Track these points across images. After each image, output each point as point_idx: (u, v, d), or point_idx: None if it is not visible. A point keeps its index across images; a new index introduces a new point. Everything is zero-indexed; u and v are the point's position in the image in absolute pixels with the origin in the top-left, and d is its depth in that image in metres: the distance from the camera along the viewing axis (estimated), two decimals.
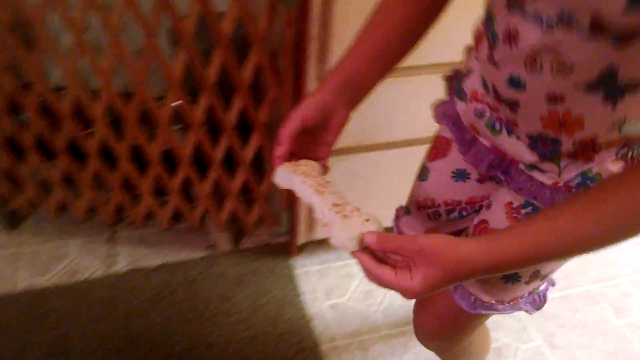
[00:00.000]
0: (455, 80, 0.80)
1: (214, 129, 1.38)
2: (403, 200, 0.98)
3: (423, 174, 0.89)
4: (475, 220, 0.81)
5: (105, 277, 1.53)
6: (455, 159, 0.82)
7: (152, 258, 1.59)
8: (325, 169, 0.69)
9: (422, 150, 0.91)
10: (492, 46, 0.62)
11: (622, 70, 0.52)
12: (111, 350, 1.35)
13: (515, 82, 0.60)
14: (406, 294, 0.55)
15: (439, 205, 0.87)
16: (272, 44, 1.23)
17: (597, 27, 0.49)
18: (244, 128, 1.38)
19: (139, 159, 1.45)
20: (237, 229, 1.66)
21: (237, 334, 1.41)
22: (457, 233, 0.90)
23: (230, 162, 1.45)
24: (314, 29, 1.08)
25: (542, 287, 0.82)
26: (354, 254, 0.58)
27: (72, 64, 1.25)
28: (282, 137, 0.66)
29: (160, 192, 1.55)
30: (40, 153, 1.45)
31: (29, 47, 1.24)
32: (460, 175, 0.83)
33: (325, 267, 1.60)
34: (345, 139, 0.90)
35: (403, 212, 0.97)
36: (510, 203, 0.73)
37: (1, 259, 1.55)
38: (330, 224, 0.58)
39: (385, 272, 0.55)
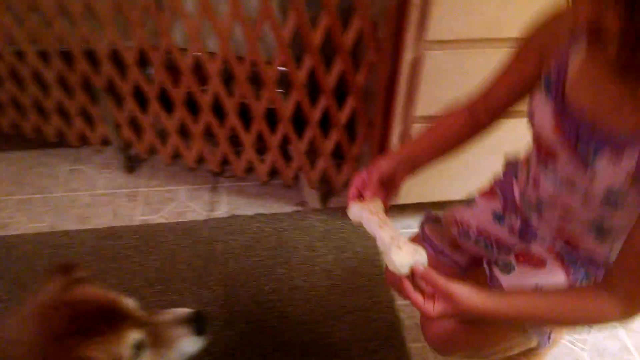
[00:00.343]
0: (513, 165, 1.06)
1: (313, 91, 1.50)
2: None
3: (470, 203, 1.10)
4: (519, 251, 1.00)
5: (207, 220, 1.71)
6: (498, 204, 1.05)
7: (248, 208, 1.75)
8: (386, 208, 0.89)
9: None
10: (526, 181, 0.92)
11: (607, 220, 0.81)
12: (209, 282, 1.52)
13: (539, 207, 0.91)
14: (425, 315, 0.79)
15: (471, 228, 1.07)
16: (374, 12, 1.32)
17: (587, 197, 0.78)
18: (341, 92, 1.49)
19: (245, 116, 1.61)
20: (326, 189, 1.78)
21: (319, 281, 1.54)
22: (476, 259, 1.10)
23: (325, 124, 1.57)
24: None
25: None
26: (402, 278, 0.79)
27: (195, 25, 1.41)
28: (368, 183, 0.90)
29: (260, 151, 1.70)
30: (161, 104, 1.65)
31: (159, 8, 1.41)
32: (498, 218, 1.05)
33: (405, 232, 1.68)
34: None
35: (432, 219, 1.14)
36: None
37: (121, 197, 1.79)
38: (388, 252, 0.79)
39: (418, 297, 0.79)
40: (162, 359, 0.87)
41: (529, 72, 0.86)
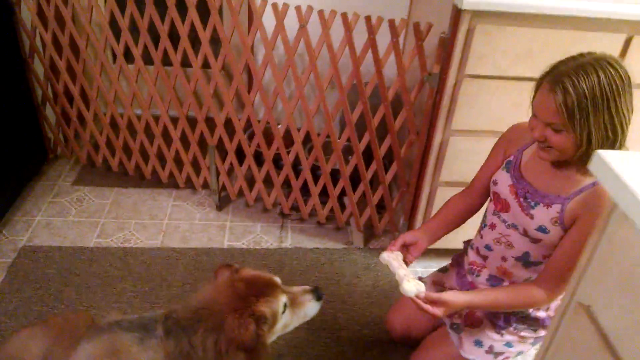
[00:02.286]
0: (467, 244, 1.70)
1: (367, 158, 2.09)
2: None
3: (443, 269, 1.78)
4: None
5: (277, 249, 2.27)
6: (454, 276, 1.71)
7: (308, 243, 2.30)
8: (407, 263, 1.46)
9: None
10: (482, 228, 1.55)
11: (532, 254, 1.41)
12: None
13: (488, 247, 1.51)
14: (433, 316, 1.35)
15: (445, 287, 1.72)
16: (416, 106, 1.94)
17: (525, 233, 1.38)
18: (388, 160, 2.08)
19: (314, 173, 2.20)
20: (369, 233, 2.33)
21: (361, 299, 2.05)
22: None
23: (372, 183, 2.14)
24: (445, 99, 1.77)
25: None
26: (411, 299, 1.36)
27: (291, 107, 2.04)
28: (395, 243, 1.49)
29: (322, 201, 2.27)
30: (256, 160, 2.26)
31: (266, 92, 2.06)
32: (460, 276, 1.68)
33: (427, 270, 2.19)
34: None
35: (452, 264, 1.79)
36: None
37: (212, 227, 2.36)
38: (401, 282, 1.36)
39: (427, 306, 1.34)
40: (294, 317, 1.40)
41: (497, 163, 1.52)
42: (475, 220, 1.63)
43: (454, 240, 1.71)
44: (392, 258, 1.46)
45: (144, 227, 2.33)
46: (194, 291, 1.39)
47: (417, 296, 1.36)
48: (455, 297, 1.37)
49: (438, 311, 1.35)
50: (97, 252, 2.16)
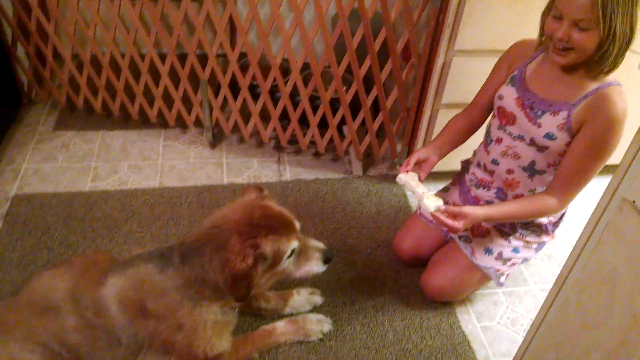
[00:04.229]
0: (466, 163, 1.80)
1: (367, 84, 2.08)
2: None
3: (445, 189, 1.87)
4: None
5: (278, 182, 2.26)
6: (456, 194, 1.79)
7: (308, 174, 2.31)
8: (420, 180, 1.53)
9: None
10: (487, 145, 1.59)
11: (538, 163, 1.47)
12: None
13: (495, 162, 1.56)
14: (454, 229, 1.42)
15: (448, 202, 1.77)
16: (418, 29, 1.92)
17: (532, 142, 1.44)
18: (388, 85, 2.07)
19: (312, 103, 2.17)
20: (368, 160, 2.35)
21: (367, 224, 2.09)
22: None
23: (372, 110, 2.14)
24: (449, 17, 1.76)
25: (502, 278, 1.68)
26: (432, 213, 1.43)
27: (288, 36, 1.98)
28: (409, 162, 1.54)
29: (321, 131, 2.26)
30: (251, 93, 2.20)
31: (260, 22, 1.98)
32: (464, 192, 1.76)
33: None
34: None
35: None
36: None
37: (210, 164, 2.32)
38: (422, 199, 1.45)
39: (448, 221, 1.42)
40: (298, 267, 1.40)
41: (500, 80, 1.55)
42: (472, 141, 1.70)
43: (450, 162, 1.78)
44: (409, 178, 1.51)
45: (139, 169, 2.27)
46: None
47: (437, 211, 1.42)
48: (474, 209, 1.43)
49: (458, 224, 1.40)
50: (95, 195, 2.10)
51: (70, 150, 2.33)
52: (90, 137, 2.42)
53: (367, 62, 2.00)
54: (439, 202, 1.43)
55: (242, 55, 2.13)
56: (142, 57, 2.23)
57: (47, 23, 2.19)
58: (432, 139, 1.99)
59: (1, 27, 2.27)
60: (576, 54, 1.28)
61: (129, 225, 1.98)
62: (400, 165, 1.60)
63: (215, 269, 1.26)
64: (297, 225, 1.38)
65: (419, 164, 1.57)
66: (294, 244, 1.35)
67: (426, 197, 1.45)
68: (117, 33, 2.17)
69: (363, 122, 2.19)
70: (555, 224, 1.64)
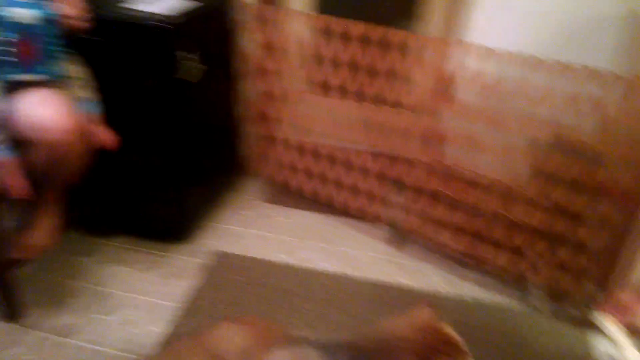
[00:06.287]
0: None
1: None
2: None
3: None
4: None
5: (455, 297, 2.20)
6: None
7: (484, 294, 2.23)
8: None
9: None
10: None
11: None
12: None
13: None
14: None
15: None
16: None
17: None
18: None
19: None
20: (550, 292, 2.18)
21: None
22: None
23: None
24: None
25: None
26: None
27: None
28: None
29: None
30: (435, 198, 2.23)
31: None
32: None
33: None
34: None
35: None
36: None
37: (391, 263, 2.38)
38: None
39: None
40: None
41: None
42: None
43: None
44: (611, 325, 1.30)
45: (326, 252, 2.42)
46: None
47: None
48: None
49: None
50: (281, 268, 2.28)
51: (272, 222, 2.62)
52: (292, 214, 2.69)
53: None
54: None
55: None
56: (357, 153, 2.46)
57: (276, 111, 2.59)
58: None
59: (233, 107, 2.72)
60: None
61: (306, 305, 2.09)
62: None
63: None
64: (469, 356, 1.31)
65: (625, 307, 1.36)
66: None
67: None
68: (339, 130, 2.45)
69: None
70: None
